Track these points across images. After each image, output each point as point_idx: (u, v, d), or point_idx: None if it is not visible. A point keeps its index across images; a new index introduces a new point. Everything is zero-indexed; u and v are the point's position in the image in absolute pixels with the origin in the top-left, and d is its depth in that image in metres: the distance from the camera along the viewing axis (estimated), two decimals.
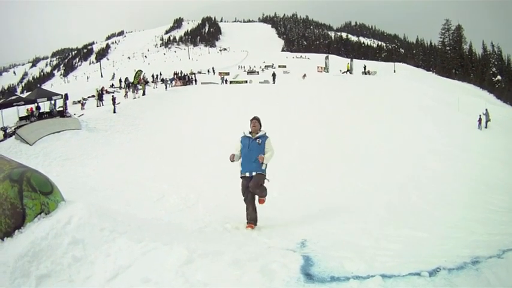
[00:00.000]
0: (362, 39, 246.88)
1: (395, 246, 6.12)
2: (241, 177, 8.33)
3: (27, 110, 28.67)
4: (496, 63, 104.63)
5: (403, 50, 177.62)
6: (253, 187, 7.92)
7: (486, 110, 35.41)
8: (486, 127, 34.19)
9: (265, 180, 8.23)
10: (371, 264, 4.68)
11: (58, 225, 4.59)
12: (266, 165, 8.13)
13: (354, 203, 11.77)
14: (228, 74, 67.92)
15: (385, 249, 5.88)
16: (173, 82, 54.99)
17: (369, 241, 6.51)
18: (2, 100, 28.65)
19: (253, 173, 7.98)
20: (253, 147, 8.09)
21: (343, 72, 64.25)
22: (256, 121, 8.33)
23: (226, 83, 55.05)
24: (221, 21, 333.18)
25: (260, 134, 8.24)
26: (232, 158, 8.38)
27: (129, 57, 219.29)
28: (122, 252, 4.33)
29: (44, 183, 5.28)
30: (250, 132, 8.34)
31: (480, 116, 34.27)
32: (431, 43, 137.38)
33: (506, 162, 20.91)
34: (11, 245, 4.41)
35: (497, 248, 5.08)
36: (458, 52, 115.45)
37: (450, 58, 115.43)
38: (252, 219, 8.10)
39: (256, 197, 8.26)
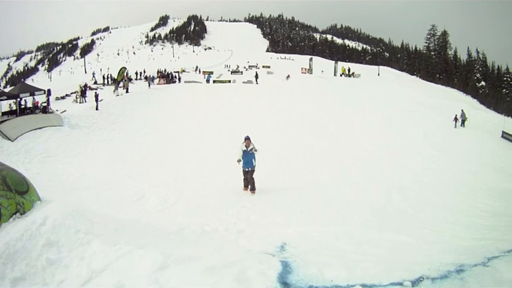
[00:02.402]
0: (347, 42, 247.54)
1: (378, 250, 6.12)
2: (243, 170, 13.11)
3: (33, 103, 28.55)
4: (480, 69, 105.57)
5: (387, 54, 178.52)
6: (250, 177, 13.03)
7: (462, 110, 36.64)
8: (463, 126, 35.22)
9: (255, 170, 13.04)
10: (352, 271, 4.64)
11: (33, 227, 4.51)
12: (255, 161, 13.12)
13: (336, 206, 11.71)
14: (212, 73, 67.50)
15: (367, 254, 5.89)
16: (156, 80, 54.68)
17: (350, 245, 6.50)
18: None
19: (249, 168, 12.98)
20: (248, 156, 12.95)
21: (340, 75, 64.43)
22: (248, 141, 13.01)
23: (208, 82, 54.10)
24: (207, 20, 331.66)
25: (251, 147, 12.97)
26: (239, 162, 13.06)
27: (118, 54, 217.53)
28: (96, 255, 4.27)
29: (20, 182, 5.20)
30: (246, 146, 12.91)
31: (456, 115, 35.25)
32: (416, 48, 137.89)
33: (488, 165, 21.17)
34: None
35: (483, 255, 5.11)
36: (443, 57, 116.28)
37: (435, 63, 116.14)
38: (246, 185, 13.23)
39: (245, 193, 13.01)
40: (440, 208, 12.14)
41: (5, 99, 26.72)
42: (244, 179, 13.42)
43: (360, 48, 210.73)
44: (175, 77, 59.68)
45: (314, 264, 4.90)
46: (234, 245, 6.84)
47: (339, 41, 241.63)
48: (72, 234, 4.60)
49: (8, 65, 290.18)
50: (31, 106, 28.59)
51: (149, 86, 47.09)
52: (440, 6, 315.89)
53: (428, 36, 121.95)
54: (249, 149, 13.06)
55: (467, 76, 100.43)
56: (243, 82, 53.58)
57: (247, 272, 4.32)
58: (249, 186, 13.26)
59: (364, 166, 19.23)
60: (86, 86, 44.13)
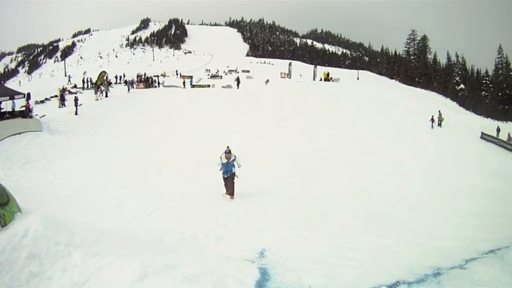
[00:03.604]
0: (327, 46, 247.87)
1: (358, 255, 6.22)
2: (223, 177, 13.59)
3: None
4: (460, 72, 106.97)
5: (367, 58, 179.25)
6: (229, 185, 13.51)
7: (439, 111, 38.04)
8: (440, 126, 36.31)
9: (236, 178, 13.62)
10: (330, 277, 4.76)
11: (15, 239, 4.52)
12: (235, 169, 13.67)
13: (316, 210, 11.80)
14: (191, 77, 67.21)
15: (346, 258, 5.98)
16: (135, 84, 54.37)
17: (330, 249, 6.59)
18: None
19: (228, 174, 13.50)
20: (228, 166, 13.51)
21: (320, 79, 64.57)
22: (228, 153, 13.45)
23: (185, 86, 54.12)
24: (188, 23, 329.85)
25: (231, 159, 13.48)
26: (220, 169, 13.65)
27: (100, 57, 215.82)
28: (77, 267, 4.30)
29: (0, 194, 5.20)
30: (226, 158, 13.41)
31: (432, 116, 36.26)
32: (395, 52, 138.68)
33: (465, 164, 21.46)
34: None
35: (461, 258, 5.23)
36: (422, 61, 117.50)
37: (414, 67, 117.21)
38: (231, 194, 13.42)
39: (229, 196, 13.49)
40: (419, 209, 12.37)
41: None
42: (224, 184, 13.71)
43: (339, 53, 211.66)
44: (155, 81, 59.39)
45: (293, 270, 5.00)
46: (213, 252, 6.88)
47: (319, 45, 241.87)
48: (52, 246, 4.60)
49: None
50: (14, 110, 28.30)
51: (129, 90, 46.70)
52: (420, 11, 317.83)
53: (408, 41, 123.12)
54: (230, 161, 13.55)
55: (446, 79, 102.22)
56: (223, 87, 53.31)
57: (226, 280, 4.38)
58: (228, 195, 13.52)
59: (343, 170, 19.42)
60: (64, 90, 43.72)
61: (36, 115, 28.19)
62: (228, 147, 13.56)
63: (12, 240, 4.53)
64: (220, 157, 13.64)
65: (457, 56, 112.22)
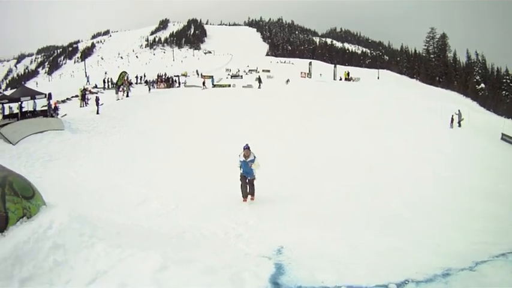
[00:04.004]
0: (347, 45, 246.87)
1: (370, 255, 6.27)
2: (241, 175, 12.59)
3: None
4: (480, 71, 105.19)
5: (387, 57, 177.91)
6: (249, 187, 12.62)
7: (459, 110, 37.38)
8: (460, 126, 35.61)
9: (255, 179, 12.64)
10: (342, 274, 4.81)
11: (40, 230, 4.67)
12: (255, 170, 12.56)
13: (334, 209, 11.85)
14: (211, 77, 67.25)
15: (360, 258, 6.02)
16: (156, 84, 54.61)
17: (345, 249, 6.63)
18: None
19: (249, 178, 12.51)
20: (246, 166, 12.40)
21: (340, 79, 64.44)
22: (247, 150, 12.34)
23: (205, 86, 52.78)
24: (207, 23, 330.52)
25: (250, 158, 12.35)
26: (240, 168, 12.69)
27: (121, 57, 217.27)
28: (100, 257, 4.42)
29: (26, 187, 5.35)
30: (244, 156, 12.38)
31: (452, 116, 35.79)
32: (415, 51, 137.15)
33: (484, 167, 21.19)
34: None
35: (471, 260, 5.22)
36: (442, 60, 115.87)
37: (434, 66, 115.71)
38: (245, 196, 12.63)
39: (244, 203, 12.48)
40: (436, 211, 12.23)
41: (6, 103, 26.83)
42: (241, 185, 12.70)
43: (359, 52, 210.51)
44: (176, 81, 59.59)
45: (307, 267, 5.08)
46: (232, 248, 6.98)
47: (338, 44, 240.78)
48: (77, 237, 4.73)
49: (9, 67, 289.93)
50: (36, 109, 28.72)
51: (149, 90, 47.10)
52: (439, 9, 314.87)
53: (428, 39, 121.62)
54: (248, 160, 12.45)
55: (466, 78, 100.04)
56: (243, 86, 53.33)
57: (242, 273, 4.48)
58: (249, 195, 12.75)
59: (363, 170, 19.26)
60: (85, 90, 44.16)
61: (58, 114, 28.53)
62: (247, 143, 12.58)
63: (37, 231, 4.67)
64: (239, 155, 12.62)
65: (477, 55, 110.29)
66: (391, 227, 9.40)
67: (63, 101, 40.47)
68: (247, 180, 12.67)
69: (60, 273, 4.28)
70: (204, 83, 52.88)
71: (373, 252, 6.51)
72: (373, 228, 9.09)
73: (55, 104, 30.51)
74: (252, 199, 12.75)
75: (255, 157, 12.60)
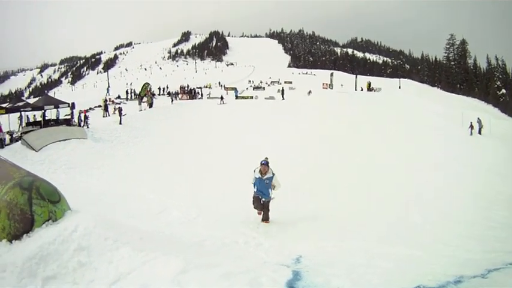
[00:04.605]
0: (368, 55, 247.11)
1: (387, 264, 6.27)
2: (254, 196, 11.19)
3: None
4: (500, 76, 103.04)
5: (408, 66, 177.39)
6: (263, 210, 11.20)
7: (478, 118, 37.19)
8: (480, 133, 35.53)
9: (271, 200, 11.20)
10: (356, 281, 4.87)
11: (65, 233, 4.85)
12: (272, 192, 11.13)
13: (355, 220, 11.86)
14: (234, 89, 67.67)
15: (376, 267, 6.05)
16: (179, 96, 55.06)
17: (362, 259, 6.63)
18: (9, 105, 28.95)
19: (264, 199, 11.04)
20: (263, 184, 10.95)
21: (361, 90, 64.36)
22: (265, 166, 10.80)
23: (222, 101, 49.67)
24: (228, 35, 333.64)
25: (268, 176, 10.87)
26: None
27: (144, 69, 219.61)
28: (123, 260, 4.56)
29: (52, 192, 5.56)
30: (260, 172, 10.89)
31: (471, 123, 35.60)
32: (436, 58, 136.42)
33: (504, 175, 20.95)
34: (20, 248, 4.66)
35: (485, 268, 5.24)
36: (463, 67, 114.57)
37: (455, 73, 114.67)
38: (265, 219, 11.22)
39: (260, 216, 11.35)
40: (455, 221, 12.19)
41: (30, 111, 27.44)
42: (254, 203, 11.26)
43: (380, 61, 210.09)
44: (198, 92, 60.08)
45: (323, 274, 5.12)
46: (252, 256, 7.02)
47: (359, 54, 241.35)
48: (101, 241, 4.88)
49: (32, 76, 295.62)
50: (59, 118, 29.34)
51: (172, 101, 47.46)
52: (456, 13, 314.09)
53: (448, 46, 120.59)
54: (265, 177, 10.88)
55: (487, 85, 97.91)
56: (265, 98, 53.72)
57: (260, 278, 4.56)
58: (262, 221, 11.18)
59: (384, 181, 19.20)
60: (107, 100, 44.84)
61: (81, 123, 29.02)
62: (266, 158, 11.10)
63: (62, 234, 4.84)
64: (254, 170, 11.15)
65: (497, 60, 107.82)
66: (410, 238, 9.39)
67: (86, 111, 40.96)
68: (261, 202, 11.12)
69: (84, 273, 4.43)
70: (222, 98, 51.24)
71: (388, 261, 6.53)
72: (392, 240, 9.07)
73: (84, 112, 31.00)
74: (265, 222, 11.11)
75: (273, 174, 11.00)
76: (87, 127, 27.98)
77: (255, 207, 11.36)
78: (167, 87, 71.39)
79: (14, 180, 5.40)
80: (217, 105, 45.76)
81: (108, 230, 5.24)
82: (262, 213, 11.28)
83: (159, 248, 5.48)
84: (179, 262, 4.55)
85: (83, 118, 29.70)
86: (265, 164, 10.86)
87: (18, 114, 28.41)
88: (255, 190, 11.22)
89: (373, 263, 6.34)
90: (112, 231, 5.29)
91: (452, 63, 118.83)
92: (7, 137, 23.97)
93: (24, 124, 28.39)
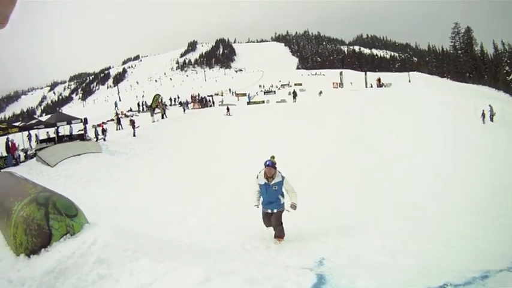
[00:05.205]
0: (375, 51, 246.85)
1: (410, 261, 6.20)
2: (263, 212, 9.05)
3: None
4: (508, 61, 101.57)
5: (416, 59, 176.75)
6: (275, 225, 8.83)
7: (490, 105, 37.29)
8: (492, 121, 35.49)
9: (286, 212, 8.82)
10: (381, 280, 4.82)
11: (84, 246, 4.86)
12: (283, 199, 8.81)
13: (374, 218, 11.76)
14: (245, 94, 68.15)
15: (399, 264, 6.00)
16: (190, 105, 55.26)
17: (386, 257, 6.57)
18: (22, 123, 29.34)
19: (274, 210, 8.73)
20: (270, 192, 8.67)
21: (371, 86, 64.13)
22: (270, 168, 8.56)
23: (228, 112, 45.50)
24: (234, 42, 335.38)
25: (276, 180, 8.60)
26: (257, 207, 9.14)
27: (155, 81, 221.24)
28: (144, 271, 4.51)
29: (69, 206, 5.61)
30: (266, 177, 8.65)
31: (483, 110, 35.59)
32: (443, 48, 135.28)
33: None
34: (38, 262, 4.68)
35: (509, 260, 5.23)
36: (470, 55, 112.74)
37: (463, 62, 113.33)
38: (278, 236, 8.80)
39: (273, 233, 9.05)
40: (473, 213, 12.07)
41: (42, 128, 27.77)
42: (263, 218, 9.19)
43: (388, 56, 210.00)
44: (210, 100, 60.32)
45: (347, 275, 5.04)
46: (274, 261, 6.96)
47: (366, 51, 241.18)
48: (121, 252, 4.87)
49: (43, 94, 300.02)
50: (72, 134, 29.78)
51: (184, 111, 47.52)
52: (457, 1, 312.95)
53: (453, 35, 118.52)
54: (272, 182, 8.63)
55: (496, 71, 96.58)
56: (277, 102, 53.98)
57: (284, 283, 4.48)
58: (275, 238, 8.90)
59: (399, 177, 19.07)
60: (120, 113, 45.22)
61: (95, 138, 29.32)
62: (272, 157, 9.46)
63: (81, 247, 4.87)
64: (257, 176, 8.90)
65: (503, 44, 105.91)
66: (431, 233, 9.26)
67: (99, 125, 41.21)
68: (271, 214, 8.89)
69: (103, 286, 4.41)
70: (228, 109, 46.74)
71: (412, 258, 6.43)
72: (414, 236, 8.94)
73: (102, 126, 31.34)
74: (279, 241, 8.77)
75: (283, 178, 8.71)
76: (104, 140, 28.23)
77: (266, 226, 9.19)
78: (178, 97, 71.70)
79: (30, 196, 5.49)
80: (231, 111, 45.44)
81: (127, 242, 5.24)
82: (274, 228, 8.94)
83: (179, 257, 5.47)
84: (200, 271, 4.47)
85: (100, 132, 29.99)
86: (270, 165, 8.61)
87: (26, 133, 28.75)
88: (261, 203, 9.02)
89: (397, 261, 6.27)
90: (131, 242, 5.29)
91: (459, 52, 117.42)
92: (21, 154, 24.27)
93: (35, 141, 28.83)
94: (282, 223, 8.82)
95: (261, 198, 8.95)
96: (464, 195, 14.99)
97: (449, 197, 14.64)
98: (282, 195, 8.81)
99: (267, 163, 8.62)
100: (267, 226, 9.12)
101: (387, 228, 9.85)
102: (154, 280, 4.35)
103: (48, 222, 5.09)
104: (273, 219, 8.77)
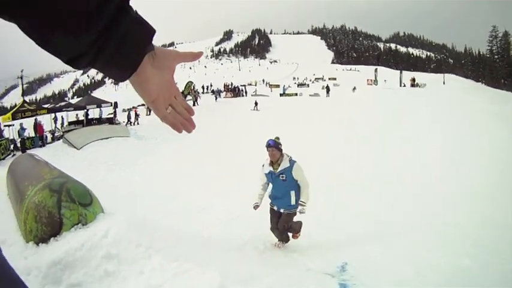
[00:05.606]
0: (411, 50, 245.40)
1: (437, 275, 5.99)
2: (270, 209, 7.38)
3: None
4: None
5: (451, 60, 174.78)
6: (281, 231, 7.24)
7: None
8: None
9: (299, 214, 7.02)
10: None
11: (94, 238, 4.70)
12: (294, 196, 6.89)
13: (400, 226, 11.41)
14: (279, 86, 68.15)
15: (425, 277, 5.82)
16: (223, 94, 55.43)
17: (411, 269, 6.31)
18: (51, 105, 29.68)
19: (282, 210, 7.06)
20: (278, 184, 6.93)
21: (404, 86, 63.57)
22: (273, 149, 6.83)
23: (256, 107, 43.01)
24: (271, 33, 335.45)
25: (283, 166, 6.76)
26: (255, 208, 7.34)
27: (189, 68, 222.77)
28: (155, 271, 4.36)
29: (84, 194, 5.45)
30: (271, 163, 6.92)
31: None
32: (479, 52, 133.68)
33: None
34: (46, 252, 4.59)
35: None
36: (506, 60, 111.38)
37: (499, 67, 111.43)
38: (280, 240, 7.50)
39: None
40: (503, 228, 11.63)
41: (72, 110, 28.05)
42: (271, 220, 7.44)
43: (423, 56, 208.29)
44: (242, 90, 60.40)
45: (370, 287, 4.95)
46: (295, 263, 6.69)
47: (402, 49, 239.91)
48: (133, 248, 4.73)
49: (75, 77, 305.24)
50: (102, 117, 29.99)
51: (216, 99, 47.70)
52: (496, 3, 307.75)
53: (491, 39, 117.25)
54: (279, 170, 6.82)
55: None
56: (310, 95, 53.80)
57: None
58: (279, 241, 7.57)
59: (430, 184, 18.63)
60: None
61: (123, 122, 29.46)
62: (277, 137, 7.24)
63: (91, 239, 4.73)
64: (263, 165, 7.27)
65: None
66: (459, 246, 8.88)
67: (130, 109, 41.46)
68: (280, 213, 7.18)
69: (111, 283, 4.27)
70: (256, 103, 43.69)
71: (439, 272, 6.20)
72: (438, 246, 8.59)
73: (135, 110, 31.49)
74: (294, 237, 7.58)
75: (292, 163, 6.83)
76: (138, 123, 28.39)
77: (272, 227, 7.47)
78: (211, 85, 72.01)
79: (45, 181, 5.41)
80: (264, 102, 45.10)
81: (141, 235, 5.08)
82: (282, 233, 7.38)
83: (194, 255, 5.29)
84: (216, 275, 4.26)
85: (133, 116, 30.14)
86: (272, 145, 6.86)
87: (53, 115, 29.04)
88: (269, 196, 7.39)
89: (422, 273, 6.06)
90: (145, 236, 5.13)
91: (496, 56, 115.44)
92: (49, 136, 24.51)
93: (66, 123, 29.06)
94: (288, 229, 7.24)
95: (270, 194, 7.30)
96: (499, 208, 14.52)
97: (484, 210, 14.14)
98: (296, 190, 6.87)
99: (269, 142, 6.92)
100: (272, 227, 7.38)
101: (414, 239, 9.51)
102: (164, 282, 4.19)
103: (60, 211, 4.97)
104: (281, 222, 7.05)
